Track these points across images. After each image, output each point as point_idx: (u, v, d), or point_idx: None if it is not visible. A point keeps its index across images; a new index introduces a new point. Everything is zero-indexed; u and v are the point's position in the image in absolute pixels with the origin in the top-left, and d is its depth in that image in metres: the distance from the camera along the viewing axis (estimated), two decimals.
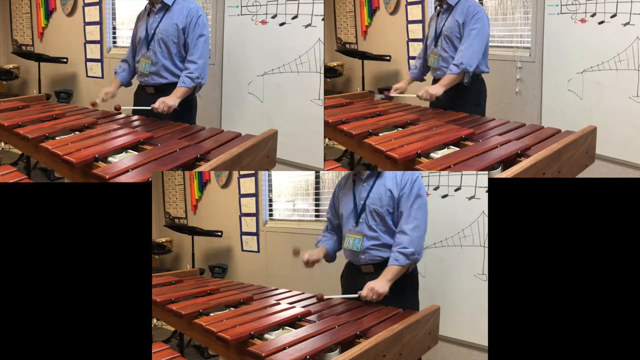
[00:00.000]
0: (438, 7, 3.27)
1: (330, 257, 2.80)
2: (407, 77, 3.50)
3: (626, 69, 3.36)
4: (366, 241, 2.57)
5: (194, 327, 2.47)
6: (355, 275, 2.65)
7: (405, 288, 2.58)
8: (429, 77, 3.43)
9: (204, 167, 2.49)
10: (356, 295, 2.49)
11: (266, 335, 2.24)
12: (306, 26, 3.70)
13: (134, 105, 3.19)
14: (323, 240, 2.82)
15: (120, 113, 3.09)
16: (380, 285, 2.45)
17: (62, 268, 2.39)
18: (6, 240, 2.39)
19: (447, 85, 3.11)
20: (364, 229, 2.58)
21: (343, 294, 2.72)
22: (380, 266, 2.55)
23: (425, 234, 2.57)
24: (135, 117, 3.08)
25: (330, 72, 4.62)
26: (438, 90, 3.11)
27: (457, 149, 2.56)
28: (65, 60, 4.54)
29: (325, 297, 2.59)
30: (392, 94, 3.39)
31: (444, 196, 3.20)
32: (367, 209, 2.58)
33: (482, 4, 3.98)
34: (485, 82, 3.28)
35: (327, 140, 3.54)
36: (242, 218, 4.47)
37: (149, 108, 3.00)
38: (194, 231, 4.53)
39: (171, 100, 3.02)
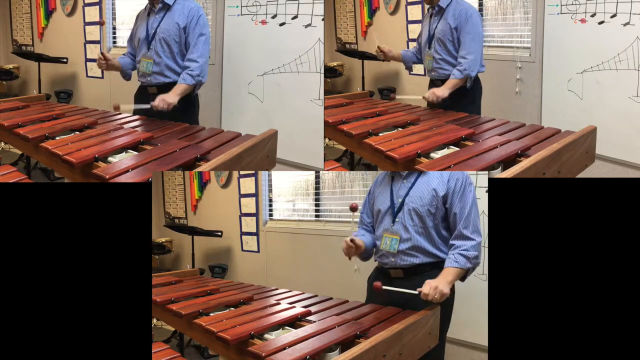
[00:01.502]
0: (429, 9, 3.29)
1: (366, 254, 2.62)
2: (398, 52, 3.51)
3: (626, 69, 3.36)
4: (402, 244, 2.45)
5: (194, 327, 2.47)
6: (382, 280, 2.50)
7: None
8: (426, 79, 3.43)
9: (204, 167, 2.49)
10: (416, 292, 2.32)
11: (266, 335, 2.24)
12: (306, 26, 3.70)
13: (134, 107, 3.19)
14: (359, 235, 2.63)
15: (120, 113, 3.09)
16: (443, 284, 2.30)
17: (63, 268, 2.39)
18: (6, 240, 2.39)
19: (452, 88, 3.15)
20: (400, 229, 2.46)
21: (367, 299, 2.63)
22: (409, 271, 2.45)
23: (479, 225, 2.42)
24: (135, 117, 3.07)
25: (330, 72, 4.62)
26: (444, 92, 3.14)
27: (457, 149, 2.56)
28: (65, 60, 4.54)
29: (384, 287, 2.39)
30: (379, 47, 3.44)
31: None
32: (405, 207, 2.45)
33: (482, 4, 3.98)
34: (486, 82, 3.29)
35: (327, 140, 3.54)
36: (242, 218, 4.47)
37: (149, 106, 3.00)
38: (194, 231, 4.53)
39: (171, 98, 3.01)
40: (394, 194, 2.50)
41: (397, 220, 2.46)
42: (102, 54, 3.20)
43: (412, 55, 3.48)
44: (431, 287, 2.29)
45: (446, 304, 2.43)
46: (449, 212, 2.41)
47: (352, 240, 2.47)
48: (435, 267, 2.44)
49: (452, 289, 2.43)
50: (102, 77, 4.50)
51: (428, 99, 3.18)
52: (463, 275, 2.41)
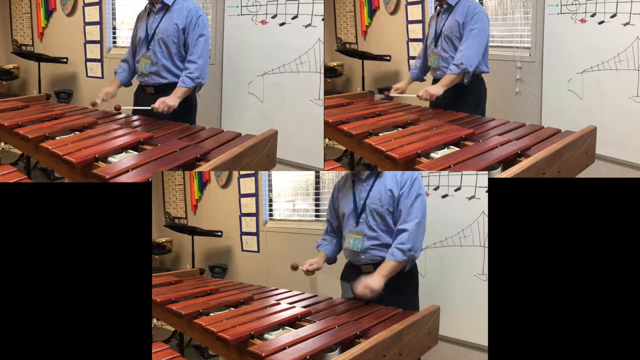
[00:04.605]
0: (438, 7, 3.28)
1: (330, 261, 2.82)
2: (407, 77, 3.50)
3: (626, 69, 3.36)
4: (366, 241, 2.58)
5: (194, 327, 2.47)
6: (355, 275, 2.64)
7: (405, 288, 2.57)
8: (429, 76, 3.43)
9: (204, 167, 2.49)
10: (149, 108, 2.46)
11: (266, 335, 2.24)
12: (306, 26, 3.70)
13: (134, 106, 3.19)
14: (323, 245, 2.83)
15: (120, 113, 3.09)
16: (374, 281, 2.45)
17: (63, 268, 2.39)
18: (6, 240, 2.39)
19: (447, 85, 3.12)
20: (364, 229, 2.59)
21: (343, 293, 2.71)
22: (379, 265, 2.55)
23: (424, 233, 2.57)
24: (135, 117, 3.08)
25: (330, 72, 4.62)
26: (438, 90, 3.11)
27: (457, 149, 2.56)
28: (65, 60, 4.54)
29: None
30: (392, 93, 3.40)
31: (444, 196, 3.20)
32: (367, 208, 2.58)
33: (482, 4, 3.98)
34: (486, 82, 3.28)
35: (327, 140, 3.54)
36: (242, 218, 4.47)
37: (149, 108, 3.00)
38: (194, 231, 4.53)
39: (171, 101, 3.02)
40: (356, 197, 2.63)
41: (360, 221, 2.60)
42: (103, 99, 3.21)
43: (419, 70, 3.46)
44: (362, 286, 2.46)
45: (411, 277, 2.60)
46: (397, 209, 2.56)
47: (307, 271, 2.75)
48: None
49: (415, 270, 2.62)
50: (102, 77, 4.49)
51: (422, 97, 3.14)
52: (404, 266, 2.54)
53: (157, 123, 2.97)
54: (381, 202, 2.56)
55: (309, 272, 2.77)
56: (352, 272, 2.67)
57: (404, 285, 2.56)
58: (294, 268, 2.72)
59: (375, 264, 2.57)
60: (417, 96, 3.15)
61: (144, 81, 3.16)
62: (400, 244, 2.49)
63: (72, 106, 3.54)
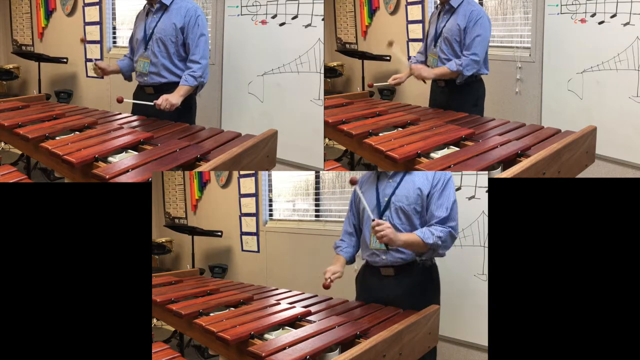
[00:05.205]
0: (439, 7, 3.27)
1: (349, 263, 2.71)
2: (406, 70, 3.50)
3: (626, 69, 3.36)
4: None
5: (194, 327, 2.47)
6: (373, 278, 2.57)
7: (427, 291, 2.52)
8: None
9: (204, 167, 2.49)
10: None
11: (266, 335, 2.24)
12: (306, 26, 3.70)
13: (133, 107, 3.20)
14: (342, 248, 2.70)
15: (120, 113, 3.10)
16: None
17: (62, 268, 2.39)
18: (6, 240, 2.39)
19: (439, 76, 3.18)
20: None
21: (357, 297, 2.67)
22: (400, 268, 2.49)
23: (457, 223, 2.47)
24: (135, 117, 3.08)
25: (330, 72, 4.62)
26: (429, 74, 3.20)
27: (457, 149, 2.56)
28: (65, 60, 4.54)
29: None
30: (390, 82, 3.43)
31: None
32: (392, 206, 2.50)
33: (482, 4, 3.98)
34: (486, 82, 3.28)
35: (327, 140, 3.54)
36: (242, 218, 4.47)
37: (152, 103, 3.00)
38: (194, 231, 4.53)
39: (174, 99, 3.02)
40: (379, 193, 2.54)
41: (383, 219, 2.49)
42: (95, 64, 3.25)
43: (418, 63, 3.45)
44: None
45: (432, 278, 2.53)
46: (427, 209, 2.47)
47: (330, 282, 2.53)
48: (425, 267, 2.52)
49: (435, 269, 2.55)
50: (102, 77, 4.49)
51: (413, 72, 3.22)
52: (422, 252, 2.45)
53: (157, 123, 2.97)
54: (408, 200, 2.47)
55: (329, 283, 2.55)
56: (371, 274, 2.59)
57: (425, 289, 2.51)
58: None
59: (396, 267, 2.50)
60: (410, 69, 3.24)
61: (143, 81, 3.16)
62: (434, 229, 2.39)
63: (72, 106, 3.54)
